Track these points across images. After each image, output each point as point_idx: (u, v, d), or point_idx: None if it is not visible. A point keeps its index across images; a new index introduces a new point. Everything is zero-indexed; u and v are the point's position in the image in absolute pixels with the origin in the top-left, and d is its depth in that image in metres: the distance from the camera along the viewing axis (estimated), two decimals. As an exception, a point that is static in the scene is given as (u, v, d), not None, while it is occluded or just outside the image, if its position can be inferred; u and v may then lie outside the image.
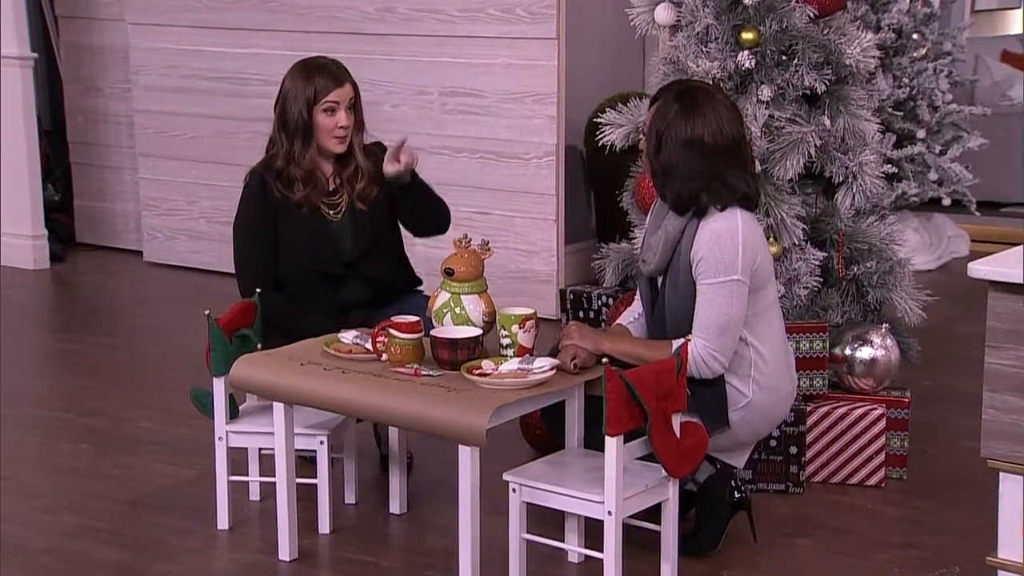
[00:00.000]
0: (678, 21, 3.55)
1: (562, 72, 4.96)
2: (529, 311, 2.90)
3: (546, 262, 5.09)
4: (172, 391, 4.17)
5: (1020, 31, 8.53)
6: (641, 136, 3.05)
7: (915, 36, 5.86)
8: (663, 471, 2.70)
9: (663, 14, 3.59)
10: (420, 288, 3.51)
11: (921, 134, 5.83)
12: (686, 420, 2.74)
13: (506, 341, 2.88)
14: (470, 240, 3.00)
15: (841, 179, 3.42)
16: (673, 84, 3.01)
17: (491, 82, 5.05)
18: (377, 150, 3.44)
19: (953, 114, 5.94)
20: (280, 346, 3.09)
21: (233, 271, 3.51)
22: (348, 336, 3.02)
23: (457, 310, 2.92)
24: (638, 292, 3.08)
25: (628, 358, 2.84)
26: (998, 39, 7.61)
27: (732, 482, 2.92)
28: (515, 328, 2.87)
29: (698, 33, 3.46)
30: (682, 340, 2.78)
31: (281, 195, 3.33)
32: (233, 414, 3.12)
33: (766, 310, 2.90)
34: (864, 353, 3.31)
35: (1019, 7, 8.68)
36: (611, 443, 2.59)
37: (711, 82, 3.24)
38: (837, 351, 3.33)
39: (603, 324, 3.65)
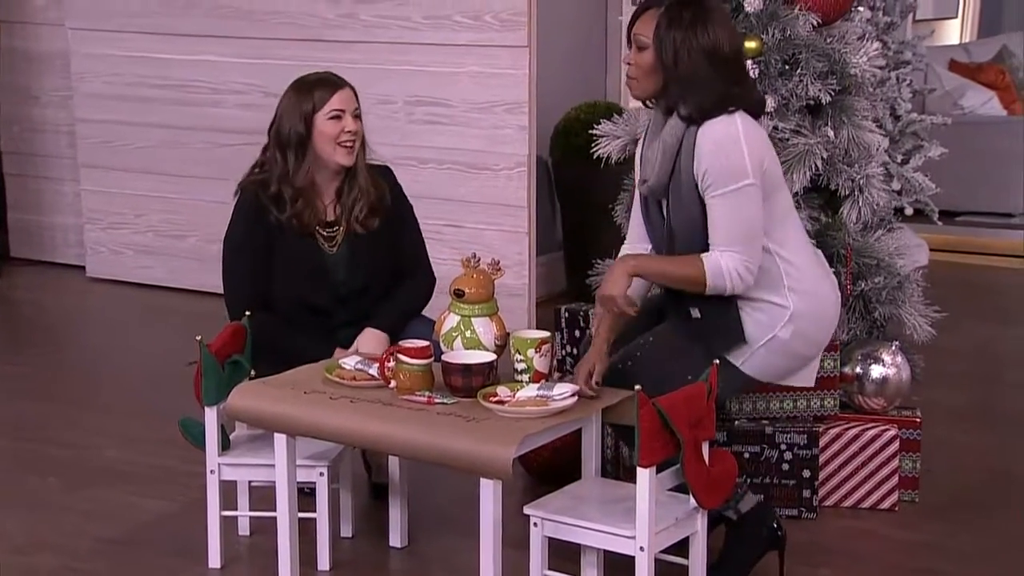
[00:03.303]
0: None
1: (533, 81, 4.84)
2: (545, 334, 2.78)
3: (517, 275, 4.95)
4: (135, 416, 3.98)
5: (957, 41, 8.65)
6: (634, 51, 2.83)
7: (877, 44, 5.84)
8: (691, 502, 2.60)
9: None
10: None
11: (885, 143, 5.81)
12: (717, 448, 2.63)
13: (521, 366, 2.75)
14: (479, 260, 2.86)
15: (847, 192, 3.35)
16: None
17: (459, 91, 4.91)
18: (384, 173, 3.26)
19: (915, 123, 5.94)
20: (269, 370, 2.93)
21: (220, 290, 3.28)
22: (350, 362, 2.87)
23: (468, 333, 2.78)
24: (643, 225, 2.93)
25: (656, 276, 2.78)
26: (944, 48, 7.67)
27: (775, 521, 2.81)
28: (531, 352, 2.74)
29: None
30: (714, 254, 2.68)
31: (276, 219, 3.13)
32: (225, 445, 2.95)
33: (783, 217, 2.80)
34: (875, 372, 3.24)
35: (956, 17, 8.80)
36: (643, 475, 2.47)
37: None
38: (847, 370, 3.25)
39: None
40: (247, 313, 3.07)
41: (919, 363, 3.46)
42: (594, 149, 3.59)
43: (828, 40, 3.35)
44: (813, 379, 2.92)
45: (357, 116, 3.16)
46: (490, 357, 2.73)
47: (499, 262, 2.86)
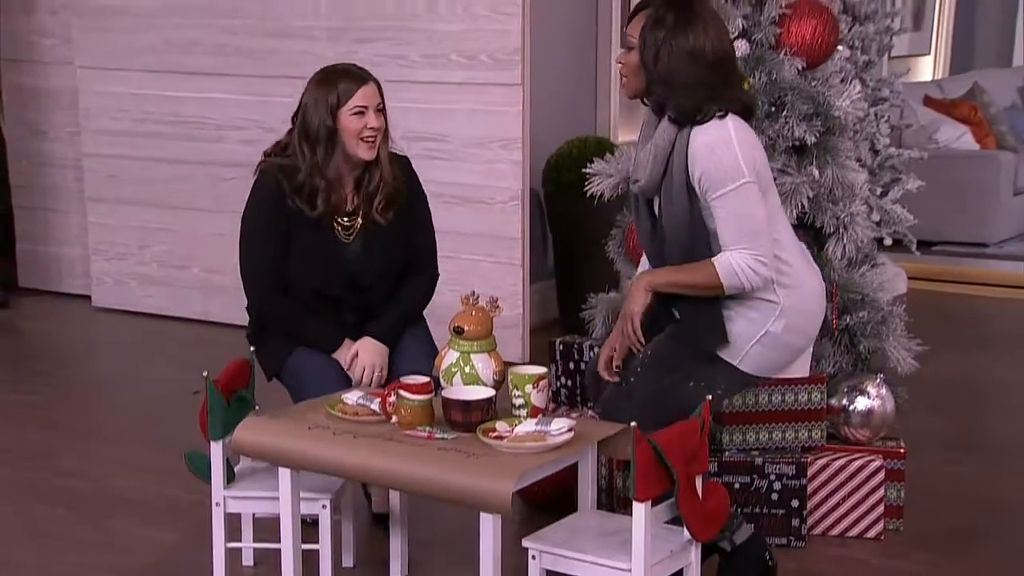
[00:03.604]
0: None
1: (527, 118, 4.84)
2: (542, 371, 2.76)
3: (512, 306, 4.93)
4: (142, 446, 3.95)
5: (931, 77, 8.68)
6: (624, 51, 2.84)
7: (859, 87, 5.87)
8: (686, 534, 2.58)
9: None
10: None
11: (864, 176, 5.83)
12: (709, 480, 2.62)
13: (519, 401, 2.73)
14: (478, 297, 2.85)
15: (832, 230, 3.35)
16: None
17: (456, 127, 4.90)
18: (403, 165, 3.24)
19: (893, 157, 5.96)
20: (278, 349, 3.09)
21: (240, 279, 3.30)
22: (352, 397, 2.85)
23: (467, 369, 2.77)
24: (635, 226, 2.92)
25: (672, 287, 2.74)
26: (919, 85, 7.69)
27: (767, 551, 2.80)
28: (528, 388, 2.72)
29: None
30: (724, 255, 2.67)
31: (295, 205, 3.10)
32: (230, 478, 2.92)
33: (774, 216, 2.79)
34: (860, 404, 3.23)
35: (929, 54, 8.83)
36: (639, 509, 2.45)
37: None
38: (833, 402, 3.24)
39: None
40: (252, 348, 3.05)
41: (903, 394, 3.45)
42: (587, 187, 3.58)
43: (812, 83, 3.36)
44: (807, 369, 2.94)
45: (380, 111, 3.13)
46: (489, 393, 2.71)
47: (497, 299, 2.85)
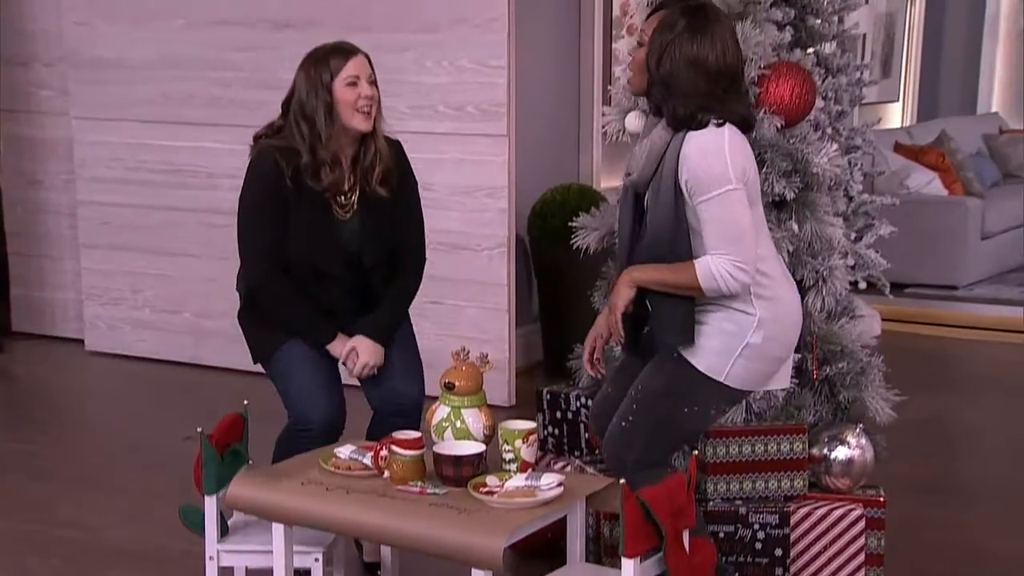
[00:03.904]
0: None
1: (512, 167, 4.84)
2: (531, 425, 2.73)
3: (498, 350, 4.91)
4: (136, 495, 3.88)
5: (899, 123, 8.74)
6: (635, 46, 2.79)
7: (829, 131, 5.90)
8: (673, 588, 2.54)
9: (634, 121, 3.48)
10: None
11: (841, 230, 5.85)
12: (695, 536, 2.59)
13: (509, 456, 2.70)
14: (468, 352, 2.82)
15: (812, 283, 3.34)
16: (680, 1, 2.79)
17: (443, 176, 4.89)
18: (396, 147, 3.23)
19: (866, 204, 5.98)
20: (269, 338, 3.13)
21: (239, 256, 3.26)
22: (345, 451, 2.81)
23: (458, 424, 2.74)
24: (619, 218, 2.90)
25: (655, 284, 2.71)
26: (889, 132, 7.74)
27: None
28: (518, 443, 2.69)
29: (671, 141, 3.36)
30: (705, 258, 2.64)
31: (292, 184, 3.04)
32: (224, 531, 2.87)
33: (757, 228, 2.74)
34: (840, 453, 3.20)
35: (898, 101, 8.90)
36: (628, 565, 2.42)
37: None
38: (815, 451, 3.22)
39: (582, 426, 3.49)
40: (245, 403, 3.00)
41: (881, 443, 3.43)
42: (573, 238, 3.57)
43: (791, 140, 3.35)
44: (788, 380, 2.88)
45: (372, 82, 3.10)
46: (479, 448, 2.68)
47: (487, 356, 2.83)
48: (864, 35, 7.59)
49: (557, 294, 5.39)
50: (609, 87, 3.81)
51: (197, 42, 5.27)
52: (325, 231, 3.10)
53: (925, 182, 7.09)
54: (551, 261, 5.38)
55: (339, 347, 3.15)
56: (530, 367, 5.39)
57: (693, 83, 2.65)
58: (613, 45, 5.82)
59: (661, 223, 2.71)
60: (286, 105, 3.14)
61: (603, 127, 3.58)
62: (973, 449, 4.52)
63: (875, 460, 3.27)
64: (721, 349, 2.74)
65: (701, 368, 2.73)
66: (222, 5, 5.20)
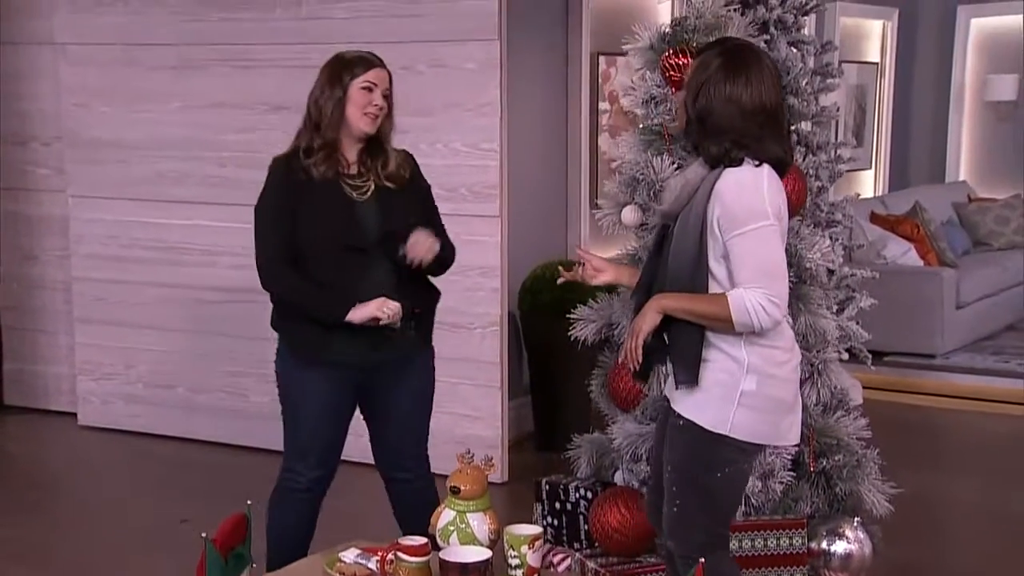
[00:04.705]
0: (644, 223, 3.43)
1: (505, 247, 4.80)
2: (537, 531, 2.67)
3: (490, 426, 4.86)
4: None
5: (871, 191, 8.79)
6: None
7: (826, 237, 5.91)
8: None
9: (630, 216, 3.47)
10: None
11: (835, 323, 5.85)
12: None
13: (515, 561, 2.64)
14: (473, 456, 2.76)
15: (807, 375, 3.31)
16: (720, 40, 2.78)
17: (437, 257, 4.84)
18: (406, 155, 3.26)
19: (847, 278, 5.97)
20: (292, 329, 3.16)
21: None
22: (350, 556, 2.74)
23: (464, 528, 2.68)
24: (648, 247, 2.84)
25: (684, 313, 2.61)
26: (864, 202, 7.77)
27: None
28: (524, 549, 2.63)
29: (668, 236, 3.33)
30: (738, 290, 2.54)
31: (305, 175, 3.09)
32: (227, 637, 2.78)
33: None
34: (839, 547, 3.17)
35: (870, 168, 8.95)
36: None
37: None
38: (813, 545, 3.18)
39: (582, 518, 3.43)
40: (248, 503, 2.92)
41: (877, 533, 3.39)
42: (571, 332, 3.53)
43: (786, 235, 3.33)
44: (798, 434, 2.73)
45: (387, 96, 3.14)
46: (485, 554, 2.62)
47: (492, 458, 2.78)
48: (838, 108, 7.66)
49: (547, 367, 5.35)
50: (606, 182, 3.79)
51: (193, 124, 5.23)
52: (343, 208, 3.11)
53: (901, 253, 7.10)
54: (541, 335, 5.34)
55: (360, 312, 3.09)
56: (520, 439, 5.33)
57: (728, 121, 2.60)
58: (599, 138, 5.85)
59: (684, 254, 2.65)
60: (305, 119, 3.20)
61: (599, 220, 3.55)
62: (960, 530, 4.47)
63: (873, 553, 3.22)
64: (718, 402, 2.64)
65: (706, 426, 2.63)
66: (218, 88, 5.17)
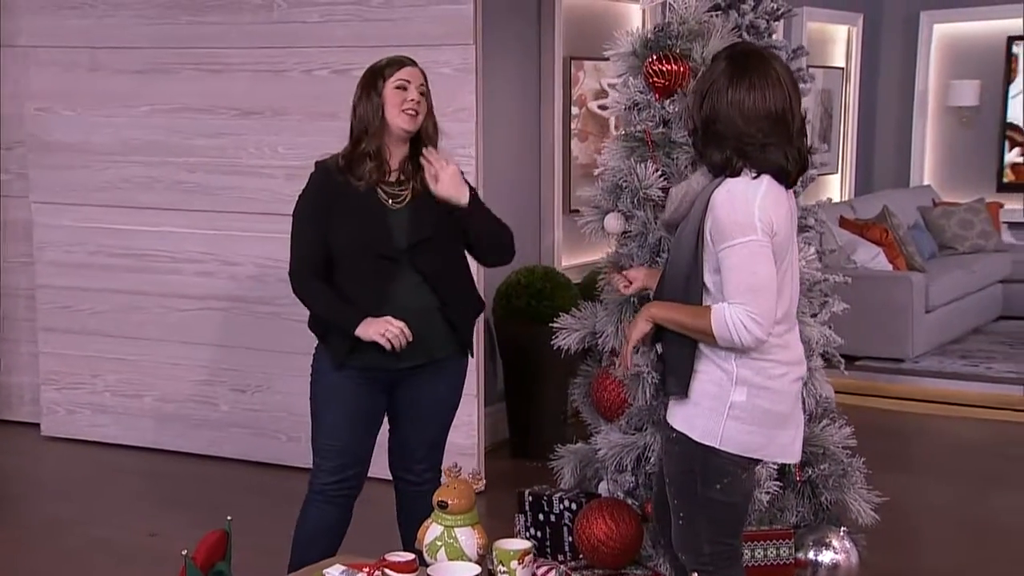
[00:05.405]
0: (627, 231, 3.39)
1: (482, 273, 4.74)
2: (527, 545, 2.62)
3: (466, 435, 4.79)
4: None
5: (838, 195, 8.82)
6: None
7: (813, 249, 5.90)
8: None
9: (613, 223, 3.43)
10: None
11: (820, 331, 5.84)
12: None
13: (504, 577, 2.58)
14: (460, 470, 2.71)
15: (792, 384, 3.27)
16: (730, 45, 2.73)
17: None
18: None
19: (820, 283, 5.97)
20: (325, 332, 3.14)
21: None
22: (334, 572, 2.66)
23: (451, 543, 2.62)
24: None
25: (671, 324, 2.61)
26: (834, 206, 7.79)
27: None
28: (513, 564, 2.58)
29: (651, 244, 3.30)
30: (722, 305, 2.50)
31: (343, 180, 3.10)
32: (207, 657, 2.70)
33: (781, 289, 2.58)
34: (826, 558, 3.15)
35: (837, 172, 8.99)
36: None
37: None
38: (800, 555, 3.15)
39: (566, 529, 3.38)
40: (228, 519, 2.85)
41: (862, 541, 3.37)
42: (554, 341, 3.48)
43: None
44: (799, 451, 2.67)
45: (423, 93, 3.13)
46: (475, 570, 2.56)
47: (480, 472, 2.72)
48: (807, 112, 7.68)
49: (522, 373, 5.30)
50: (578, 188, 3.75)
51: (161, 128, 5.13)
52: (375, 216, 3.10)
53: (871, 257, 7.12)
54: (516, 340, 5.29)
55: (364, 329, 3.06)
56: (496, 446, 5.28)
57: (731, 127, 2.56)
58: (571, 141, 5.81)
59: (680, 264, 2.63)
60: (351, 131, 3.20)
61: (581, 228, 3.51)
62: (939, 535, 4.46)
63: (859, 563, 3.20)
64: (708, 413, 2.60)
65: (696, 438, 2.59)
66: (187, 92, 5.07)
